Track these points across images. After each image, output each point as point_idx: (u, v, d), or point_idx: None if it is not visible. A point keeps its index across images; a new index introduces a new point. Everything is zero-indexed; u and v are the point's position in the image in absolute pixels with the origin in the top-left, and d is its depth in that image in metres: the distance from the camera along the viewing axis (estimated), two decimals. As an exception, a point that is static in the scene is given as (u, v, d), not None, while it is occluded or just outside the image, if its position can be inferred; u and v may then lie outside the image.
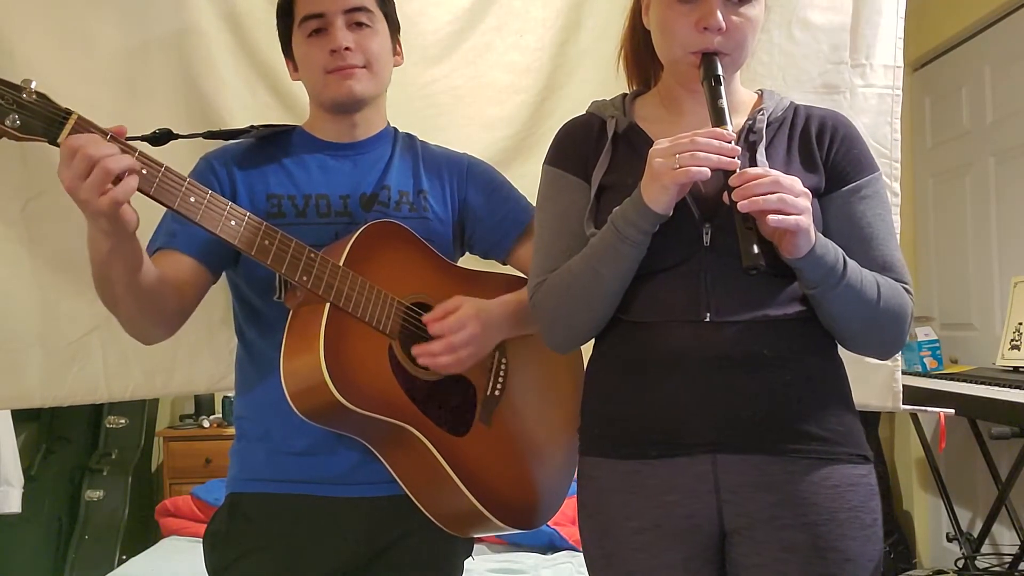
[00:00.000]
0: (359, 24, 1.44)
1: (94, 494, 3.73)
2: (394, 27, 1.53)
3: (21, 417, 3.37)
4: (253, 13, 1.79)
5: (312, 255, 1.31)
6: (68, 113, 1.12)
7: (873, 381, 1.83)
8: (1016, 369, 2.98)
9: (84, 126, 1.13)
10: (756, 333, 1.20)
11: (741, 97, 1.34)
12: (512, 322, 1.45)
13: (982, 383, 2.85)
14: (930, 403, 2.60)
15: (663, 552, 1.22)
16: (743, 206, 1.11)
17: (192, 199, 1.21)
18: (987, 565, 3.19)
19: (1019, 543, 3.02)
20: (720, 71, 1.22)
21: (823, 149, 1.28)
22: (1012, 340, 3.05)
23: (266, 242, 1.28)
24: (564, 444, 1.57)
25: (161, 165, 1.18)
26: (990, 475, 3.14)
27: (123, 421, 3.86)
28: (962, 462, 3.47)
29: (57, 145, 1.12)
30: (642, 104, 1.37)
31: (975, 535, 3.26)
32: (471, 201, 1.57)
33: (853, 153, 1.28)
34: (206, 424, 4.01)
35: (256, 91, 1.82)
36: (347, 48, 1.42)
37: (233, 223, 1.26)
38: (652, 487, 1.22)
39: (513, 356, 1.53)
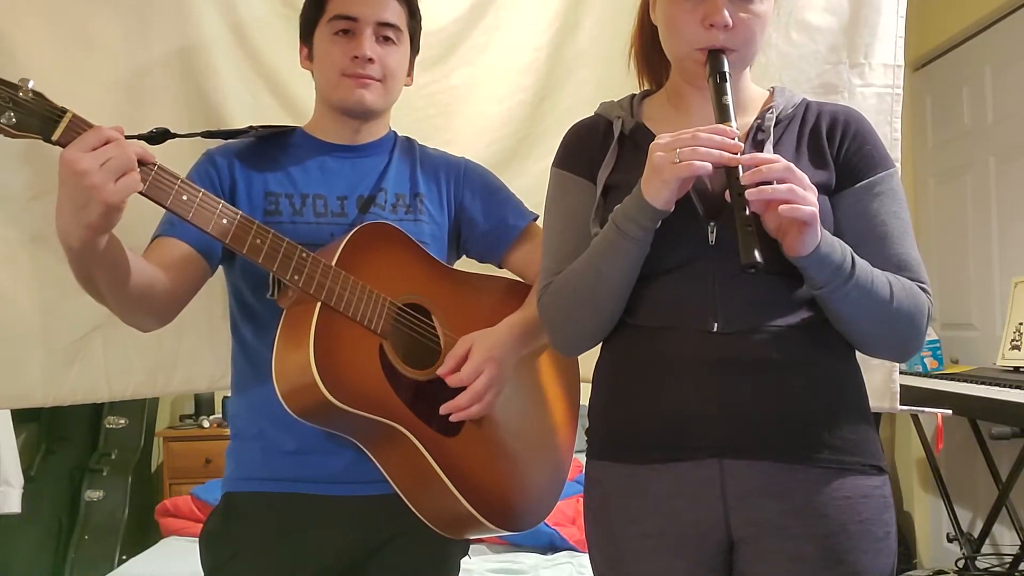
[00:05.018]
0: (386, 39, 1.46)
1: (94, 494, 3.73)
2: (415, 50, 1.54)
3: (21, 417, 3.37)
4: (255, 16, 1.79)
5: (304, 254, 1.31)
6: (63, 111, 1.13)
7: (870, 382, 1.78)
8: (1016, 369, 2.98)
9: (79, 124, 1.13)
10: (766, 339, 1.16)
11: (751, 95, 1.30)
12: (521, 344, 1.46)
13: (982, 383, 2.85)
14: (931, 403, 2.60)
15: (667, 559, 1.19)
16: (752, 193, 1.07)
17: (184, 197, 1.22)
18: (987, 565, 3.19)
19: (1019, 543, 3.02)
20: (726, 68, 1.18)
21: (834, 145, 1.24)
22: (1012, 340, 3.05)
23: (257, 241, 1.28)
24: (556, 447, 1.56)
25: (155, 163, 1.19)
26: (990, 475, 3.15)
27: (123, 421, 3.86)
28: (962, 462, 3.47)
29: (51, 142, 1.12)
30: (650, 104, 1.33)
31: (975, 535, 3.26)
32: (467, 205, 1.57)
33: (866, 149, 1.24)
34: (206, 424, 4.02)
35: (258, 93, 1.82)
36: (370, 59, 1.43)
37: (225, 221, 1.26)
38: (657, 492, 1.19)
39: None
